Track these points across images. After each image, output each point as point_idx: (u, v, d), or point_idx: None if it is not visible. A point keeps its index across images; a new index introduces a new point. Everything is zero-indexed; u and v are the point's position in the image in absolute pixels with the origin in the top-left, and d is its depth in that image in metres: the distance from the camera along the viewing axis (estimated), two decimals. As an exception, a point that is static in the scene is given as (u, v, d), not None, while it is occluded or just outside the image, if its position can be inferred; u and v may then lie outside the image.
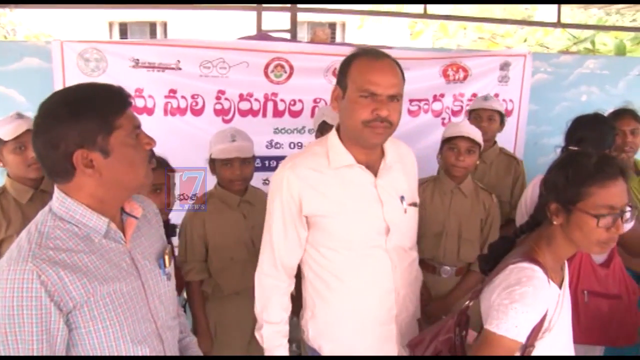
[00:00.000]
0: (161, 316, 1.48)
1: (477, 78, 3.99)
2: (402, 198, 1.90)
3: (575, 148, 2.56)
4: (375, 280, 1.87)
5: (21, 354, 1.22)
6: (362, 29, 10.05)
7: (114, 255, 1.37)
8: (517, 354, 1.55)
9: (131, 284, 1.39)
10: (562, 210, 1.56)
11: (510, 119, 4.13)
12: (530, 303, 1.49)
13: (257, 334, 1.93)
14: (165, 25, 14.54)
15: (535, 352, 1.57)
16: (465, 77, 3.94)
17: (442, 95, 3.90)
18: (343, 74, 1.77)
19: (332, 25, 15.66)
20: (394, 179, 1.90)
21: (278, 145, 3.68)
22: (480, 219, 2.76)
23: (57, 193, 1.33)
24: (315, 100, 3.66)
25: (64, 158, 1.27)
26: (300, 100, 3.65)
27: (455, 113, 3.95)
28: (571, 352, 1.70)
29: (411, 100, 3.79)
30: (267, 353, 1.92)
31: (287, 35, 4.16)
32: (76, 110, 1.26)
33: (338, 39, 15.38)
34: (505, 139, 4.12)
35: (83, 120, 1.26)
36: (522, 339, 1.51)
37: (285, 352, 1.91)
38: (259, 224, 2.61)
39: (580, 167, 1.55)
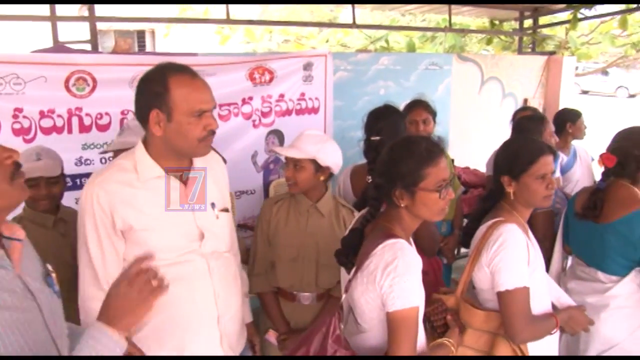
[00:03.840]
0: (60, 335, 1.45)
1: (282, 79, 4.15)
2: (212, 205, 1.97)
3: (377, 138, 2.79)
4: (195, 285, 1.91)
5: None
6: (168, 36, 9.89)
7: (6, 282, 1.29)
8: None
9: (29, 309, 1.33)
10: (406, 194, 1.76)
11: (317, 115, 4.39)
12: (414, 270, 1.71)
13: None
14: (-53, 39, 13.07)
15: None
16: (271, 79, 4.09)
17: (251, 98, 4.00)
18: (160, 95, 1.77)
19: (141, 33, 15.23)
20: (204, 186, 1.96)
21: (88, 162, 3.53)
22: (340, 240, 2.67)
23: None
24: (123, 112, 3.56)
25: None
26: (107, 114, 3.53)
27: (264, 114, 4.09)
28: None
29: (221, 105, 3.84)
30: None
31: (88, 46, 4.01)
32: None
33: (148, 47, 14.99)
34: (315, 135, 4.37)
35: None
36: (421, 302, 1.73)
37: None
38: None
39: (414, 154, 1.78)
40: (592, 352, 2.46)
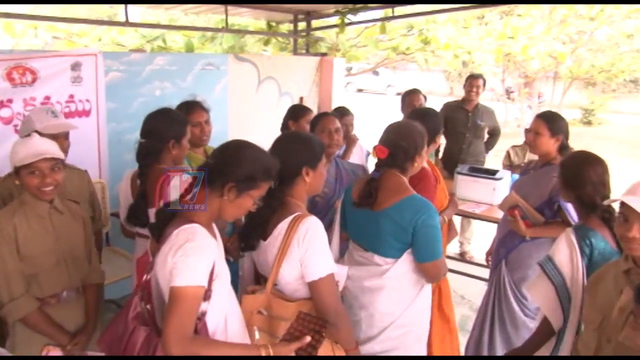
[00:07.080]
0: None
1: (47, 80, 3.89)
2: None
3: (144, 141, 2.79)
4: None
5: None
6: None
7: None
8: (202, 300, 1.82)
9: None
10: (235, 192, 1.92)
11: (89, 118, 4.19)
12: (201, 252, 1.82)
13: None
14: None
15: (213, 296, 1.87)
16: (34, 80, 3.80)
17: (11, 101, 3.68)
18: None
19: None
20: None
21: None
22: (81, 232, 2.70)
23: None
24: None
25: None
26: None
27: (28, 118, 3.79)
28: (234, 296, 2.09)
29: (-25, 109, 3.49)
30: None
31: None
32: None
33: None
34: (87, 138, 4.19)
35: None
36: (205, 282, 1.81)
37: None
38: None
39: (263, 167, 1.97)
40: (375, 330, 2.65)
